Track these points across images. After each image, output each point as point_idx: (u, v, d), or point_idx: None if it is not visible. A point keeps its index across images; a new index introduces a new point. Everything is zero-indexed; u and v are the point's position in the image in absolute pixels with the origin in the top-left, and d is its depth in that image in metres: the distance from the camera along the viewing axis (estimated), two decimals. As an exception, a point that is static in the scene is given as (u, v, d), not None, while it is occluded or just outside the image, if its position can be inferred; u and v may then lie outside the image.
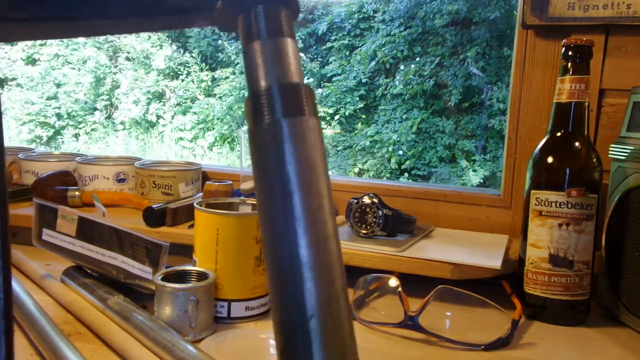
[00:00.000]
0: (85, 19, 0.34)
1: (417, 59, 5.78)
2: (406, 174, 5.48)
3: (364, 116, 5.97)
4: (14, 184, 1.04)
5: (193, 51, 6.48)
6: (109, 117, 6.69)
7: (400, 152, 5.54)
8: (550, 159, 0.69)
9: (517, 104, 0.86)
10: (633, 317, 0.68)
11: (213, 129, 6.26)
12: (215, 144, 6.27)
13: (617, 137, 0.72)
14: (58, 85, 6.64)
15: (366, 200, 0.78)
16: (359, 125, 5.94)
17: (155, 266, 0.63)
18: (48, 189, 0.94)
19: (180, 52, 6.62)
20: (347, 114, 5.93)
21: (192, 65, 6.51)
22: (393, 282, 0.67)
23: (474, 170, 5.22)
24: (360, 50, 6.04)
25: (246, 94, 0.31)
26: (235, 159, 5.94)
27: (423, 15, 5.74)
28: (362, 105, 5.96)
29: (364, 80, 5.96)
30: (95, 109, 6.68)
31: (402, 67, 5.82)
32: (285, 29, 0.31)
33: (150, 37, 6.56)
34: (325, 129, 5.98)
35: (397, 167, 5.55)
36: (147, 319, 0.57)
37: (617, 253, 0.70)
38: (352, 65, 6.05)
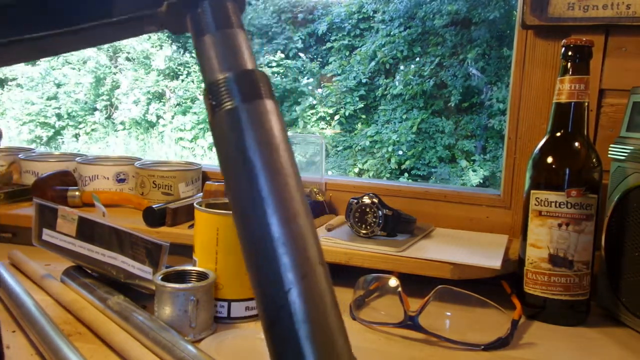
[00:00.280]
0: (40, 39, 0.35)
1: (417, 59, 5.79)
2: (406, 174, 5.48)
3: (364, 116, 5.98)
4: (14, 184, 1.04)
5: (193, 51, 6.48)
6: (109, 117, 6.69)
7: (400, 152, 5.54)
8: (550, 159, 0.69)
9: (517, 104, 0.86)
10: (633, 317, 0.68)
11: (213, 129, 6.26)
12: (215, 144, 6.26)
13: (616, 137, 0.72)
14: (58, 86, 6.64)
15: (366, 200, 0.78)
16: (359, 126, 5.94)
17: (155, 266, 0.63)
18: (48, 189, 0.94)
19: (180, 52, 6.62)
20: (347, 114, 5.93)
21: (192, 66, 6.51)
22: (393, 282, 0.67)
23: (474, 170, 5.22)
24: (360, 50, 6.04)
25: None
26: (235, 159, 5.93)
27: (423, 15, 5.74)
28: (362, 106, 5.96)
29: (364, 81, 5.96)
30: (95, 109, 6.68)
31: (402, 67, 5.82)
32: (233, 21, 0.32)
33: (150, 37, 6.56)
34: (325, 129, 5.98)
35: (397, 167, 5.55)
36: (147, 319, 0.57)
37: (616, 253, 0.70)
38: (352, 65, 6.05)
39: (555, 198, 0.67)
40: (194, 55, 6.43)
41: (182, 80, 6.54)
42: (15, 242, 0.91)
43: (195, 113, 6.36)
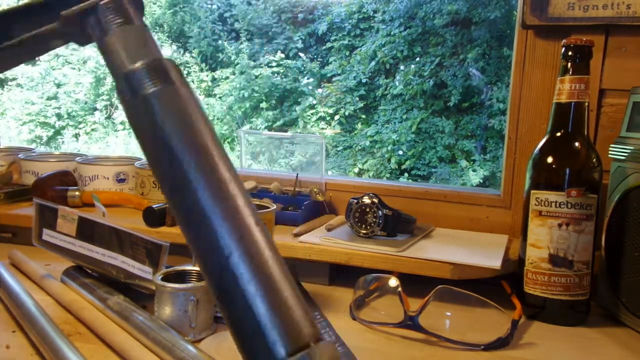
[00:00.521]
0: None
1: (417, 59, 5.78)
2: (406, 174, 5.48)
3: (364, 116, 5.97)
4: (14, 184, 1.04)
5: (193, 51, 6.48)
6: (109, 117, 6.69)
7: (400, 152, 5.53)
8: (550, 159, 0.69)
9: (517, 104, 0.86)
10: (633, 317, 0.68)
11: (213, 129, 6.26)
12: (215, 144, 6.26)
13: (617, 137, 0.72)
14: (58, 86, 6.64)
15: (366, 200, 0.78)
16: (359, 126, 5.94)
17: (155, 266, 0.63)
18: (48, 189, 0.94)
19: (180, 52, 6.62)
20: (347, 114, 5.93)
21: (192, 66, 6.50)
22: (393, 282, 0.67)
23: (474, 170, 5.22)
24: (360, 50, 6.04)
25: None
26: (235, 159, 5.94)
27: (423, 15, 5.74)
28: (362, 105, 5.96)
29: (364, 81, 5.95)
30: (95, 109, 6.68)
31: (402, 67, 5.81)
32: (132, 17, 0.34)
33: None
34: (326, 129, 5.98)
35: (397, 167, 5.54)
36: (147, 319, 0.57)
37: (616, 253, 0.70)
38: (352, 65, 6.05)
39: (555, 198, 0.67)
40: (194, 55, 6.45)
41: (182, 80, 6.53)
42: (15, 242, 0.91)
43: (195, 113, 6.35)
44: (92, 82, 6.63)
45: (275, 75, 6.14)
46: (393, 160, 5.53)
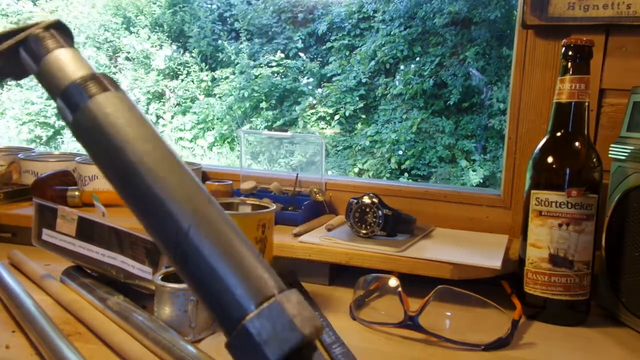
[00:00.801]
0: None
1: (417, 59, 5.78)
2: (406, 174, 5.48)
3: (363, 116, 5.97)
4: (13, 183, 1.04)
5: (193, 51, 6.48)
6: (108, 117, 6.68)
7: (400, 152, 5.53)
8: (550, 159, 0.69)
9: (517, 104, 0.86)
10: (633, 317, 0.68)
11: (213, 129, 6.26)
12: (215, 144, 6.27)
13: (617, 137, 0.72)
14: (58, 85, 6.63)
15: (366, 200, 0.78)
16: (359, 125, 5.94)
17: (155, 266, 0.63)
18: (48, 189, 0.94)
19: (180, 52, 6.62)
20: (347, 114, 5.93)
21: (192, 65, 6.50)
22: (393, 282, 0.67)
23: (474, 170, 5.22)
24: (360, 50, 6.03)
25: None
26: (235, 159, 5.93)
27: (423, 15, 5.74)
28: (362, 105, 5.96)
29: (364, 80, 5.95)
30: (95, 108, 6.67)
31: (402, 67, 5.81)
32: (61, 42, 0.37)
33: (150, 37, 6.56)
34: (325, 129, 5.98)
35: (397, 167, 5.54)
36: (147, 319, 0.57)
37: (617, 253, 0.70)
38: (352, 65, 6.05)
39: (555, 198, 0.67)
40: (194, 55, 6.45)
41: (182, 80, 6.53)
42: (15, 242, 0.91)
43: (195, 113, 6.35)
44: (92, 81, 6.62)
45: (275, 75, 6.14)
46: (393, 160, 5.53)
